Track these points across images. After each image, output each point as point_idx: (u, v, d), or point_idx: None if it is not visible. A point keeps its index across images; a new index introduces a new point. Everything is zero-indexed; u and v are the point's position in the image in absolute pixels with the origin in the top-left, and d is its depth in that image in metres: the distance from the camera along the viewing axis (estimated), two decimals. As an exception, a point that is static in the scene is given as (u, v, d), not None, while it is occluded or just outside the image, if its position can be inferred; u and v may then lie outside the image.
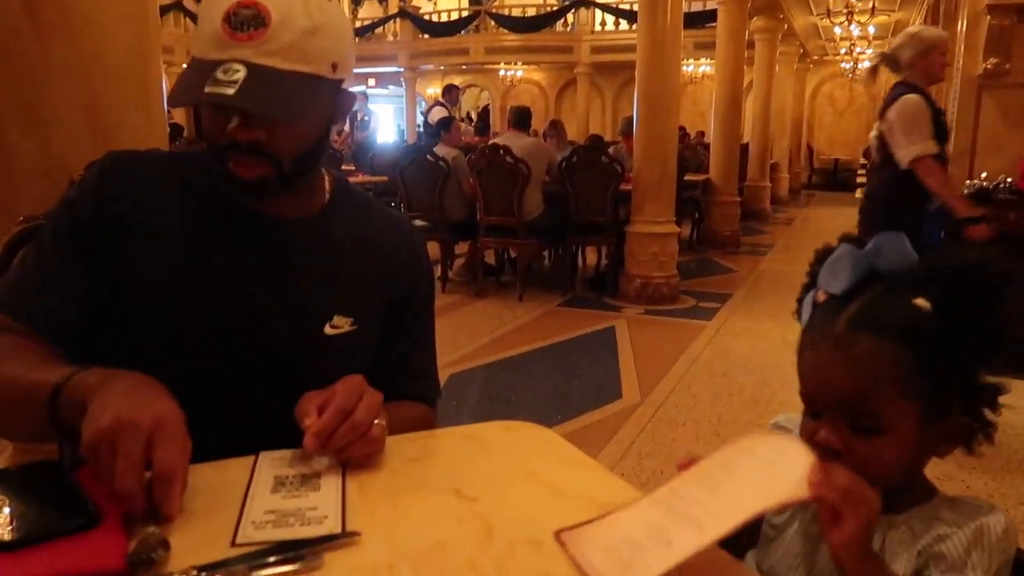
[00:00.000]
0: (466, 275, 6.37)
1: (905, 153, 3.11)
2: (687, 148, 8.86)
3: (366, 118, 11.09)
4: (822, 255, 0.85)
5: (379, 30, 18.37)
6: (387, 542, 0.72)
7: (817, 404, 0.79)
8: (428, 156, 5.82)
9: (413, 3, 18.24)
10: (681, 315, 5.34)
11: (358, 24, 17.88)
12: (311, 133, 0.99)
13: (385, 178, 6.90)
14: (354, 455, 0.86)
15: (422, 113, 14.91)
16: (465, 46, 17.51)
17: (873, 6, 11.05)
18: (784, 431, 0.91)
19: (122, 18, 1.56)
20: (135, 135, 1.03)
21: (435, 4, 19.45)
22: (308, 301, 1.04)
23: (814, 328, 0.82)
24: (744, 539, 0.94)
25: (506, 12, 17.72)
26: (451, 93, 9.57)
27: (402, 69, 18.05)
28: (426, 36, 17.87)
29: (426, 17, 18.23)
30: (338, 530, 0.73)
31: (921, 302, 0.75)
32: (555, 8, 17.21)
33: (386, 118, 19.47)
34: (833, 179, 17.63)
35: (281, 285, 1.03)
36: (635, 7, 5.97)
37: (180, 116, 11.01)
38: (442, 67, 18.82)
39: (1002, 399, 0.79)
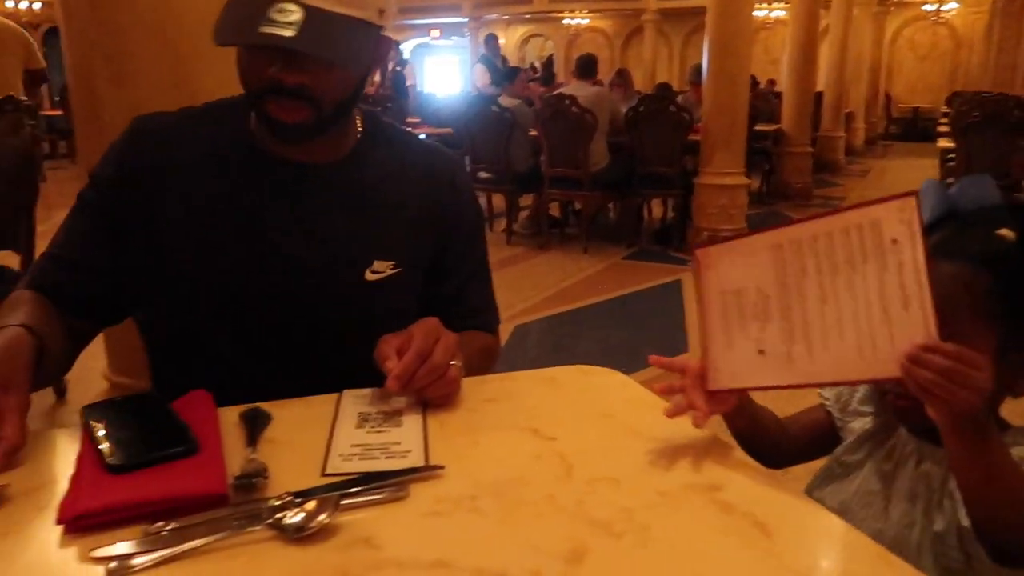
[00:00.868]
0: (530, 227, 6.35)
1: None
2: (758, 96, 8.57)
3: (399, 68, 10.90)
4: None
5: (443, -21, 18.17)
6: (468, 476, 0.74)
7: None
8: (493, 107, 5.79)
9: (477, -49, 17.96)
10: (750, 269, 5.23)
11: (421, -26, 17.71)
12: (354, 79, 0.96)
13: (450, 130, 6.90)
14: (433, 395, 0.88)
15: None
16: (529, -6, 17.21)
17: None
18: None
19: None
20: (214, 86, 1.05)
21: (499, -48, 19.08)
22: (346, 249, 1.01)
23: None
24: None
25: (571, -42, 17.30)
26: (491, 43, 9.40)
27: (466, 19, 17.85)
28: (490, -16, 17.60)
29: (490, -35, 17.93)
30: (422, 463, 0.76)
31: (1005, 232, 0.78)
32: (622, -47, 16.69)
33: (450, 69, 19.37)
34: (912, 129, 16.79)
35: (317, 234, 1.00)
36: (706, -51, 5.77)
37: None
38: (506, 16, 18.54)
39: None
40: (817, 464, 0.99)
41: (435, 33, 19.14)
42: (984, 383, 0.66)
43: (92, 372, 1.85)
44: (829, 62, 10.42)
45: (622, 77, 7.57)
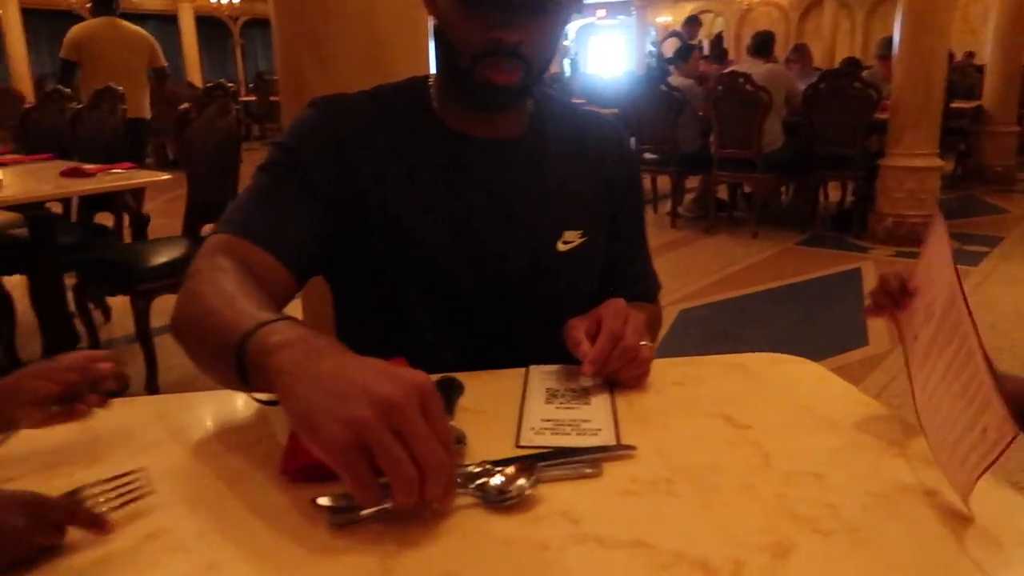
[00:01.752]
0: (696, 210, 6.19)
1: None
2: (955, 71, 7.83)
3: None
4: None
5: (610, -42, 17.95)
6: (661, 458, 0.73)
7: None
8: (662, 87, 5.66)
9: (646, -73, 17.56)
10: (939, 259, 4.82)
11: (589, -47, 17.57)
12: (557, 35, 0.96)
13: (616, 110, 6.83)
14: (625, 376, 0.88)
15: (652, 43, 14.47)
16: (699, -31, 16.64)
17: None
18: None
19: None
20: (407, 68, 1.11)
21: (669, -74, 18.56)
22: (537, 221, 1.02)
23: None
24: None
25: (746, -71, 16.52)
26: (691, 26, 9.21)
27: (632, -2, 17.55)
28: (658, -39, 17.18)
29: (659, -59, 17.49)
30: (613, 442, 0.75)
31: None
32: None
33: (617, 49, 19.14)
34: None
35: (509, 210, 1.01)
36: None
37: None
38: (674, -7, 18.06)
39: None
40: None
41: (601, 13, 18.96)
42: None
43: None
44: (1042, 31, 9.32)
45: (800, 53, 7.16)
